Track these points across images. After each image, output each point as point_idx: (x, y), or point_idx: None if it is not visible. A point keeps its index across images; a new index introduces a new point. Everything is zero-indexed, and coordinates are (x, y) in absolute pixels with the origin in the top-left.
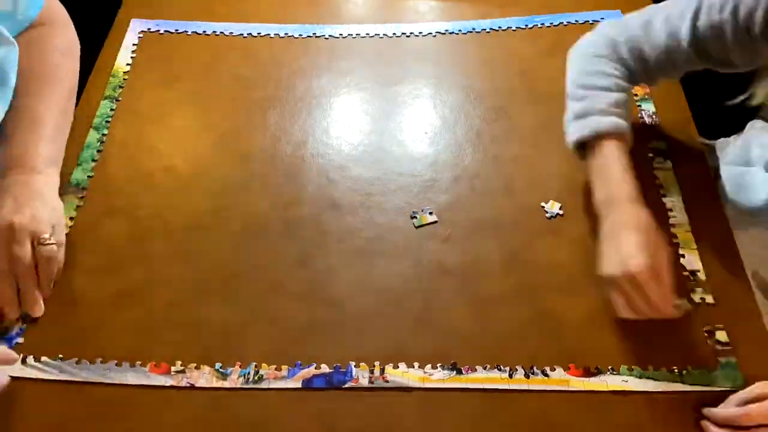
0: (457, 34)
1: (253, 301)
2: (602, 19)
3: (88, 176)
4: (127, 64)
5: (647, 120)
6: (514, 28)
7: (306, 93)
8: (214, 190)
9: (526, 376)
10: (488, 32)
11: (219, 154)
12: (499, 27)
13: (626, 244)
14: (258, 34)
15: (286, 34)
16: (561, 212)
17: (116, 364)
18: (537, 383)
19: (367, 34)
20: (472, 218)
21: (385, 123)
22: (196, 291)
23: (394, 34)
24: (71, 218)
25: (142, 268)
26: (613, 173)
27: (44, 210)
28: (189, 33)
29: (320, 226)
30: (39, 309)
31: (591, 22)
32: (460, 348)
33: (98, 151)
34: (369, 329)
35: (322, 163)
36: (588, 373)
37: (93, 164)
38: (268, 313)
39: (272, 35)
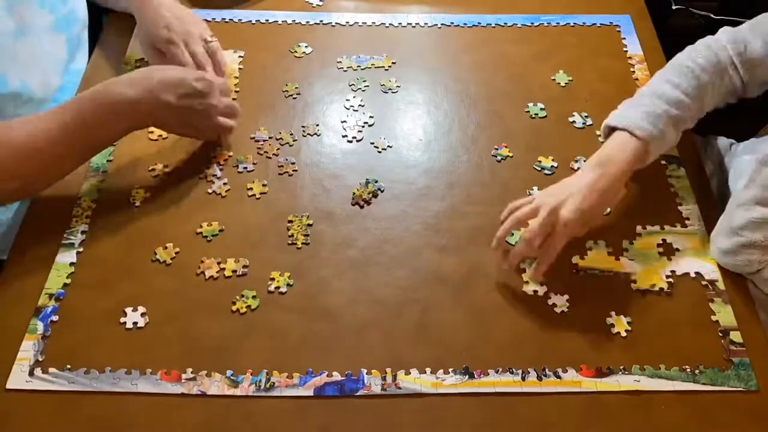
0: (450, 25)
1: (248, 313)
2: (609, 23)
3: (107, 160)
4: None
5: None
6: (510, 24)
7: (297, 101)
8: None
9: (539, 378)
10: (482, 35)
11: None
12: (496, 24)
13: (568, 183)
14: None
15: (284, 21)
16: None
17: (126, 373)
18: (550, 385)
19: (356, 22)
20: (468, 226)
21: (378, 130)
22: (191, 302)
23: (383, 23)
24: (93, 200)
25: (137, 281)
26: (611, 149)
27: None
28: None
29: (314, 236)
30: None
31: (588, 24)
32: (461, 356)
33: None
34: (367, 340)
35: (315, 172)
36: (600, 373)
37: (112, 148)
38: (263, 324)
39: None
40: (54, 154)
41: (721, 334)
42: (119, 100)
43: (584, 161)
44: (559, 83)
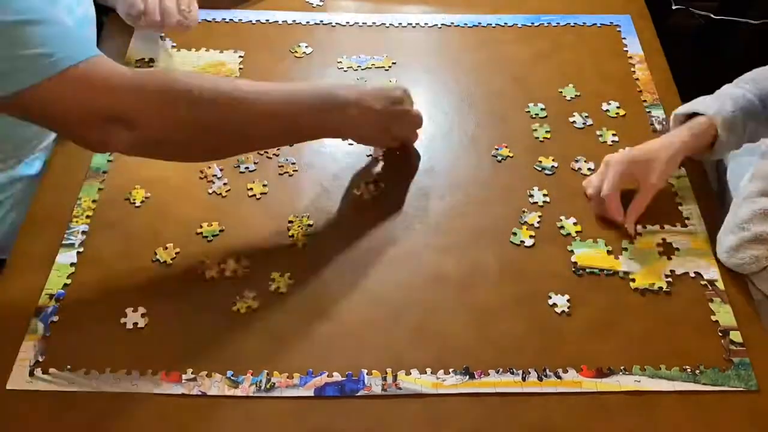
0: (450, 26)
1: (248, 313)
2: (609, 23)
3: (108, 160)
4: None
5: (657, 126)
6: (510, 24)
7: None
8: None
9: (539, 378)
10: (482, 35)
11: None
12: (497, 24)
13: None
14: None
15: (284, 21)
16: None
17: (126, 373)
18: (550, 385)
19: (356, 22)
20: (468, 226)
21: None
22: (191, 303)
23: (383, 23)
24: (94, 201)
25: (137, 281)
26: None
27: None
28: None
29: (314, 237)
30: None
31: (589, 24)
32: (462, 357)
33: None
34: (367, 340)
35: (316, 173)
36: (600, 374)
37: None
38: (263, 324)
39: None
40: (281, 126)
41: (721, 334)
42: (337, 98)
43: (584, 161)
44: (565, 96)
